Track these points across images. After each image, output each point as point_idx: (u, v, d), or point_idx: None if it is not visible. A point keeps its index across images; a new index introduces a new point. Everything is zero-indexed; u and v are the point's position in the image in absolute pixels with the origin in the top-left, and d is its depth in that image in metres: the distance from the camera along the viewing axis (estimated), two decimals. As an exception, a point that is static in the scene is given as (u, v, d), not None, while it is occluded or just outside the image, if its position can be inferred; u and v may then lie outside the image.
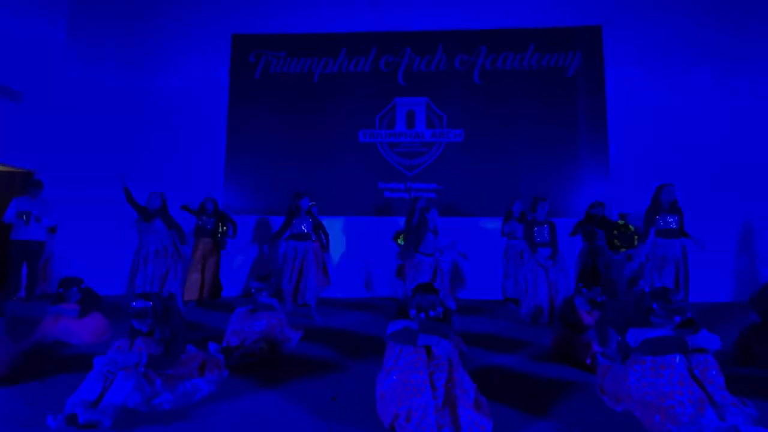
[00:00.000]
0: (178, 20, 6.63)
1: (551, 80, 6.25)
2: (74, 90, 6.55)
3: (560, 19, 6.34)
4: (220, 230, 5.46)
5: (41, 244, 5.50)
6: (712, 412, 1.72)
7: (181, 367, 2.12)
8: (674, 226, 4.24)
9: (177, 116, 6.47)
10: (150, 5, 6.67)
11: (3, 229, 5.50)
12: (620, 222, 5.84)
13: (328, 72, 6.51)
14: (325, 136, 6.40)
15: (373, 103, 6.42)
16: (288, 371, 2.53)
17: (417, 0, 6.51)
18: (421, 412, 1.73)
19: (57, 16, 6.61)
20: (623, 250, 5.80)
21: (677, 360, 1.83)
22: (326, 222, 5.30)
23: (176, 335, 2.07)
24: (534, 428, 1.85)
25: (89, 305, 3.23)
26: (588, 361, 2.62)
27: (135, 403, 1.85)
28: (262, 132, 6.43)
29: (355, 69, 6.49)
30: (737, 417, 1.73)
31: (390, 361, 1.93)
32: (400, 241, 5.79)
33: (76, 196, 6.29)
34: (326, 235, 5.01)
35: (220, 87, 6.54)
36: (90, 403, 1.76)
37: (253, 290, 3.08)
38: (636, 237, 5.84)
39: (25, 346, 2.87)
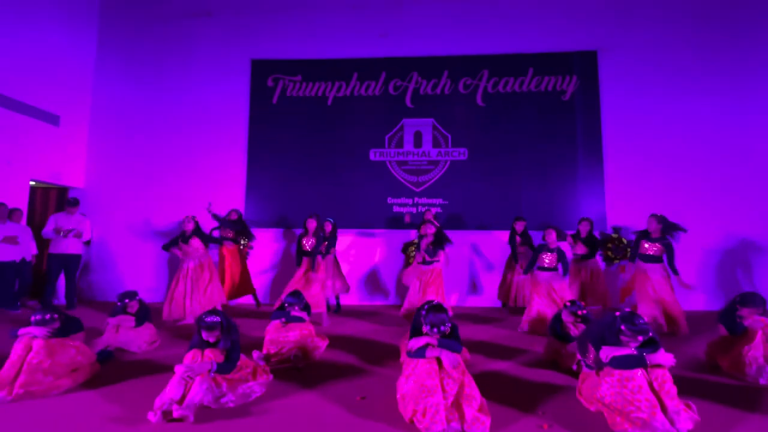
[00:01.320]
0: (202, 46, 7.16)
1: (549, 102, 6.71)
2: (106, 111, 7.10)
3: (558, 44, 6.79)
4: (242, 242, 6.02)
5: (78, 257, 6.00)
6: (663, 417, 2.18)
7: (238, 372, 2.61)
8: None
9: (203, 136, 6.99)
10: (176, 31, 7.20)
11: (43, 243, 6.03)
12: (614, 235, 6.30)
13: (341, 95, 7.00)
14: (338, 155, 6.89)
15: (383, 124, 6.91)
16: (320, 375, 3.00)
17: (423, 27, 7.00)
18: (434, 410, 2.20)
19: (87, 43, 7.16)
20: (617, 261, 6.26)
21: (639, 374, 2.29)
22: (339, 234, 5.83)
23: (235, 345, 2.56)
24: (523, 422, 2.31)
25: (144, 316, 3.73)
26: (574, 367, 3.09)
27: (208, 401, 2.35)
28: (280, 151, 6.94)
29: (366, 92, 6.98)
30: (686, 423, 2.20)
31: (408, 369, 2.42)
32: (410, 252, 6.29)
33: (108, 211, 6.83)
34: (329, 241, 5.48)
35: (241, 109, 7.05)
36: (176, 401, 2.25)
37: (286, 305, 3.57)
38: (628, 250, 6.30)
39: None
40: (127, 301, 3.70)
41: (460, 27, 6.95)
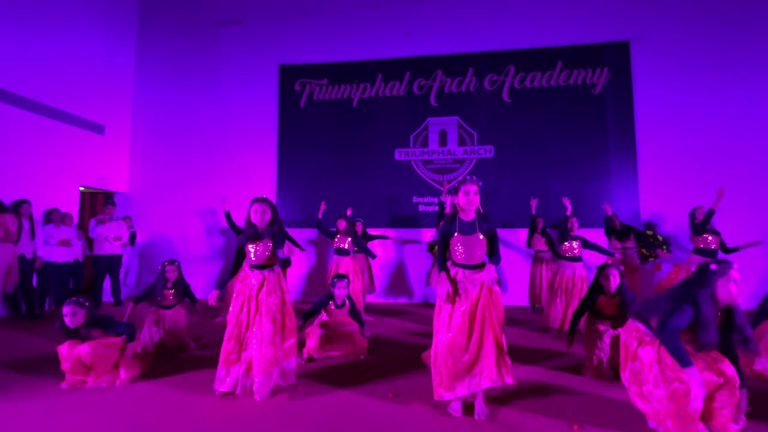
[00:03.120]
0: (233, 52, 7.45)
1: (579, 96, 6.53)
2: (145, 118, 7.54)
3: (587, 36, 6.59)
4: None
5: (119, 257, 6.38)
6: None
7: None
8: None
9: (235, 139, 7.29)
10: (208, 39, 7.52)
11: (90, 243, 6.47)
12: (648, 232, 6.08)
13: (366, 97, 7.10)
14: (364, 155, 7.00)
15: (408, 123, 6.95)
16: (354, 373, 3.13)
17: (447, 25, 6.97)
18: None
19: (126, 52, 7.60)
20: (651, 259, 6.05)
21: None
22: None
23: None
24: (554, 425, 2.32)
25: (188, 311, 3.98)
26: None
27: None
28: (308, 153, 7.12)
29: (391, 93, 7.04)
30: None
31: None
32: (434, 251, 6.32)
33: (150, 213, 7.26)
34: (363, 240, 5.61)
35: (271, 113, 7.29)
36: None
37: (335, 281, 3.75)
38: (665, 247, 6.07)
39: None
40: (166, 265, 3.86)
41: (485, 23, 6.87)
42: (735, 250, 4.79)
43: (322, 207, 5.76)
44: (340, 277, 3.76)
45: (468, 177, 2.60)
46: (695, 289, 2.12)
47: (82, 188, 6.90)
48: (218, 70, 7.46)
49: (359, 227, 5.78)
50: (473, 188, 2.49)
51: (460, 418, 2.36)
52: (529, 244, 5.82)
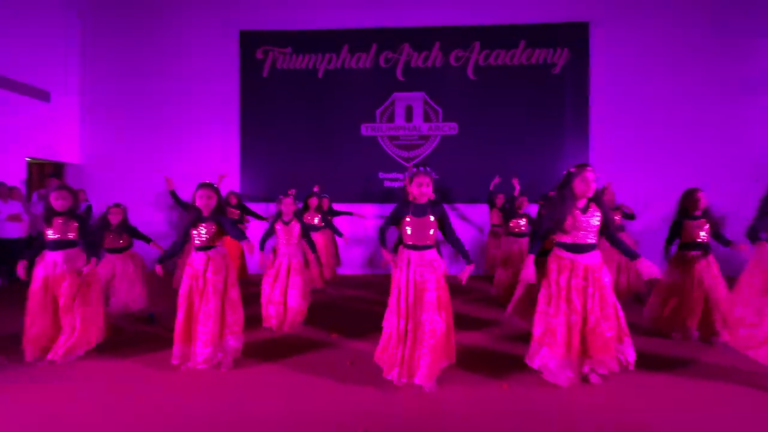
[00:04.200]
0: (191, 16, 7.00)
1: (540, 76, 6.74)
2: (96, 86, 7.07)
3: (550, 15, 6.71)
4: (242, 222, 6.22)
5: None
6: None
7: None
8: None
9: (195, 109, 7.01)
10: (162, 2, 7.01)
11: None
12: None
13: (332, 68, 6.97)
14: (330, 129, 6.97)
15: (374, 97, 6.94)
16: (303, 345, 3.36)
17: (415, -4, 6.85)
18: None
19: (71, 17, 6.97)
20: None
21: None
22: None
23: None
24: (488, 386, 2.66)
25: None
26: None
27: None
28: (272, 125, 7.00)
29: (357, 65, 6.95)
30: None
31: None
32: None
33: (105, 186, 6.98)
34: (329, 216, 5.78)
35: (232, 81, 7.02)
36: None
37: None
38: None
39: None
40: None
41: (452, -4, 6.82)
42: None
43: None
44: (285, 194, 4.01)
45: (422, 168, 2.75)
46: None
47: (28, 159, 6.50)
48: (174, 36, 7.02)
49: (325, 203, 5.88)
50: (426, 180, 2.67)
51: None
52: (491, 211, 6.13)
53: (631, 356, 2.58)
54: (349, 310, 4.55)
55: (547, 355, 2.62)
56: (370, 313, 4.31)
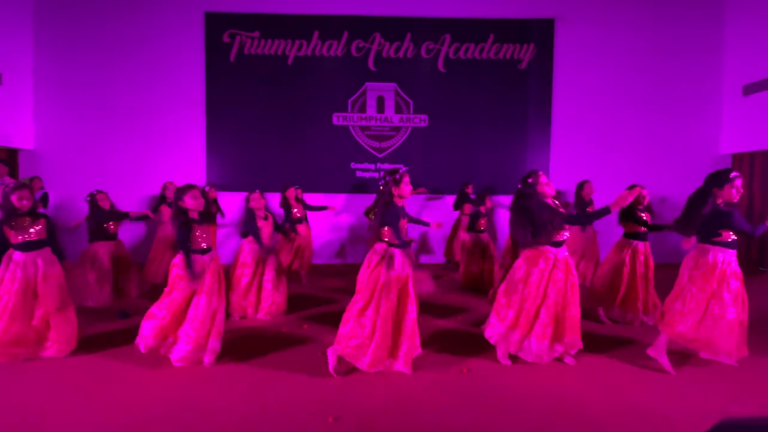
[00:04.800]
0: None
1: (506, 71, 6.94)
2: (51, 69, 6.63)
3: (518, 10, 6.88)
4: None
5: None
6: None
7: None
8: None
9: (159, 94, 6.74)
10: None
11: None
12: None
13: (302, 55, 6.86)
14: (301, 118, 6.92)
15: (346, 87, 6.92)
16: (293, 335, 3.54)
17: (387, -16, 6.79)
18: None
19: (23, 1, 6.43)
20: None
21: None
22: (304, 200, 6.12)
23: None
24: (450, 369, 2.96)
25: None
26: None
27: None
28: (240, 112, 6.86)
29: (328, 53, 6.87)
30: None
31: None
32: (371, 216, 6.72)
33: (61, 173, 6.67)
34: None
35: (197, 66, 6.78)
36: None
37: None
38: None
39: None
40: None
41: (424, -14, 6.81)
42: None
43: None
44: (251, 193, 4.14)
45: (405, 168, 2.98)
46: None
47: (-24, 145, 6.09)
48: (135, 14, 6.63)
49: (299, 193, 5.92)
50: (408, 179, 2.95)
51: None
52: (456, 207, 6.39)
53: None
54: (323, 300, 4.75)
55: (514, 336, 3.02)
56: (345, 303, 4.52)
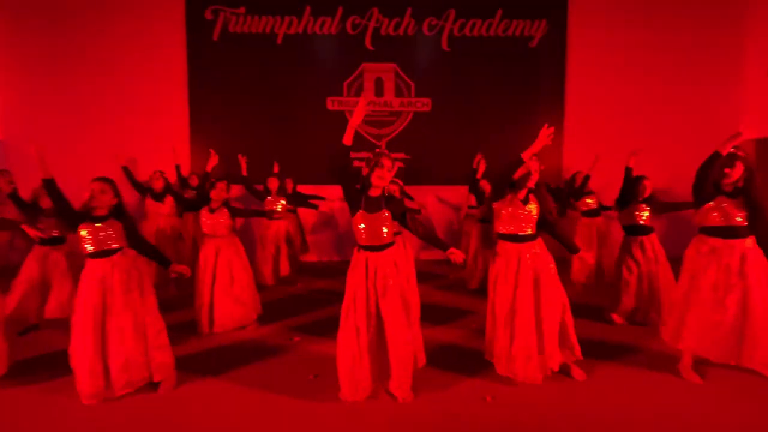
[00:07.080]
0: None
1: (516, 49, 6.38)
2: (19, 49, 5.99)
3: (529, -17, 6.29)
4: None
5: None
6: None
7: None
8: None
9: (137, 77, 6.14)
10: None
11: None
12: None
13: (292, 33, 6.26)
14: (292, 102, 6.35)
15: (341, 67, 6.35)
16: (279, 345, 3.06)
17: (385, -47, 6.18)
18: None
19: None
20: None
21: None
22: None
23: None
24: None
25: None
26: None
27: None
28: (226, 94, 6.29)
29: (321, 30, 6.28)
30: None
31: None
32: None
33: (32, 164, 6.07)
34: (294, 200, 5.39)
35: (178, 45, 6.17)
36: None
37: None
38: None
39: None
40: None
41: (426, -44, 6.20)
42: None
43: (243, 162, 5.08)
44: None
45: (385, 152, 2.51)
46: None
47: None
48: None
49: (290, 185, 5.41)
50: (388, 164, 2.43)
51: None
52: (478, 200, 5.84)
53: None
54: (314, 304, 4.25)
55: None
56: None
